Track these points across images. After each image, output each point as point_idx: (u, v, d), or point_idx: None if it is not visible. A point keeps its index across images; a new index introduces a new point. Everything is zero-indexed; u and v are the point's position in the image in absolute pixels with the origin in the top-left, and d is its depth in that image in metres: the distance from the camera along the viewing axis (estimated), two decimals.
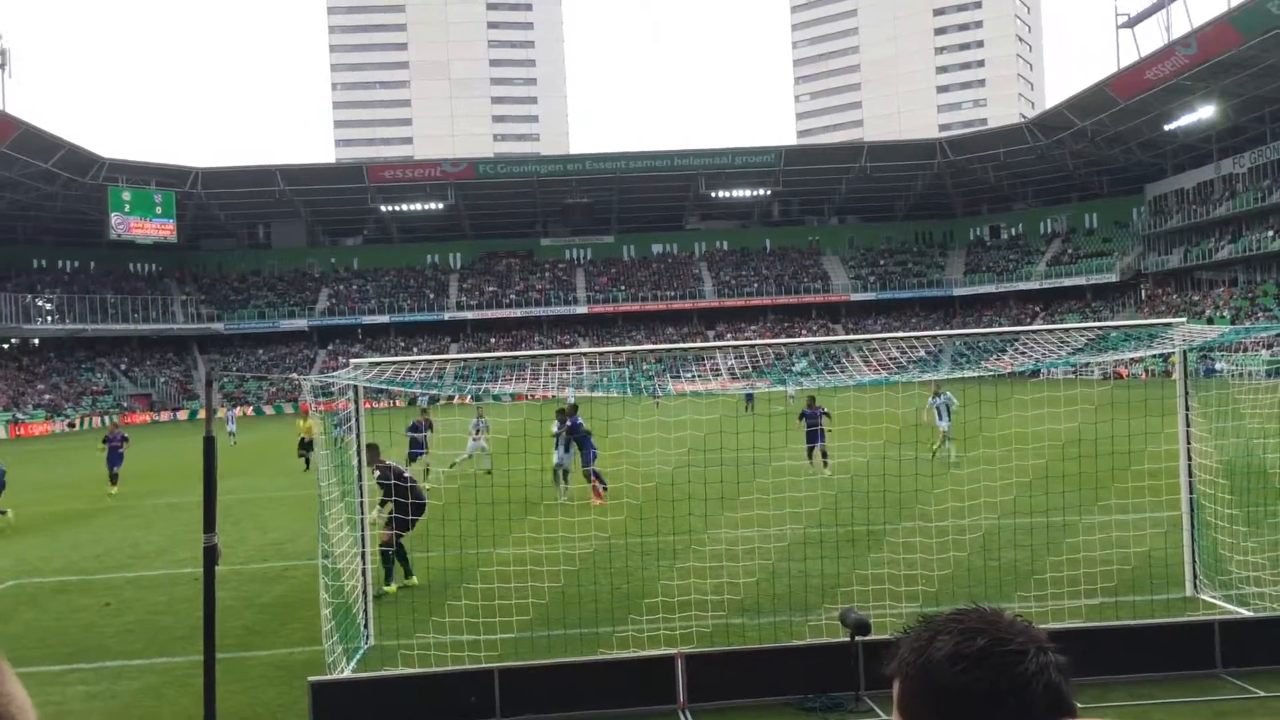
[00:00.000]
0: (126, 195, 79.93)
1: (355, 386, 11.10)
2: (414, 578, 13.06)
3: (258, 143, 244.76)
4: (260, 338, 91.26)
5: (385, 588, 12.44)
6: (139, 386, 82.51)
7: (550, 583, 11.15)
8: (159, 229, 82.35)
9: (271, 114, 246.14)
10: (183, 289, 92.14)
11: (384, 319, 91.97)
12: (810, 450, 21.91)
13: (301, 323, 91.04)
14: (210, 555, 8.21)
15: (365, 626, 10.63)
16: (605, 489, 18.45)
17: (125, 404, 78.18)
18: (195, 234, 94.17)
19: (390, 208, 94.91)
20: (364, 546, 10.64)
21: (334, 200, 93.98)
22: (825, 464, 21.67)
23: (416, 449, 21.82)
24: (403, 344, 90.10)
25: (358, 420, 11.08)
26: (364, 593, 10.67)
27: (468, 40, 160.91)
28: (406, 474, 13.23)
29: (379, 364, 11.74)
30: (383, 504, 12.92)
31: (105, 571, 15.62)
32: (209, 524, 8.13)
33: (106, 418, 68.06)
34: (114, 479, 25.15)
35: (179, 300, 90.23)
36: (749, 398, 39.74)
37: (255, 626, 11.73)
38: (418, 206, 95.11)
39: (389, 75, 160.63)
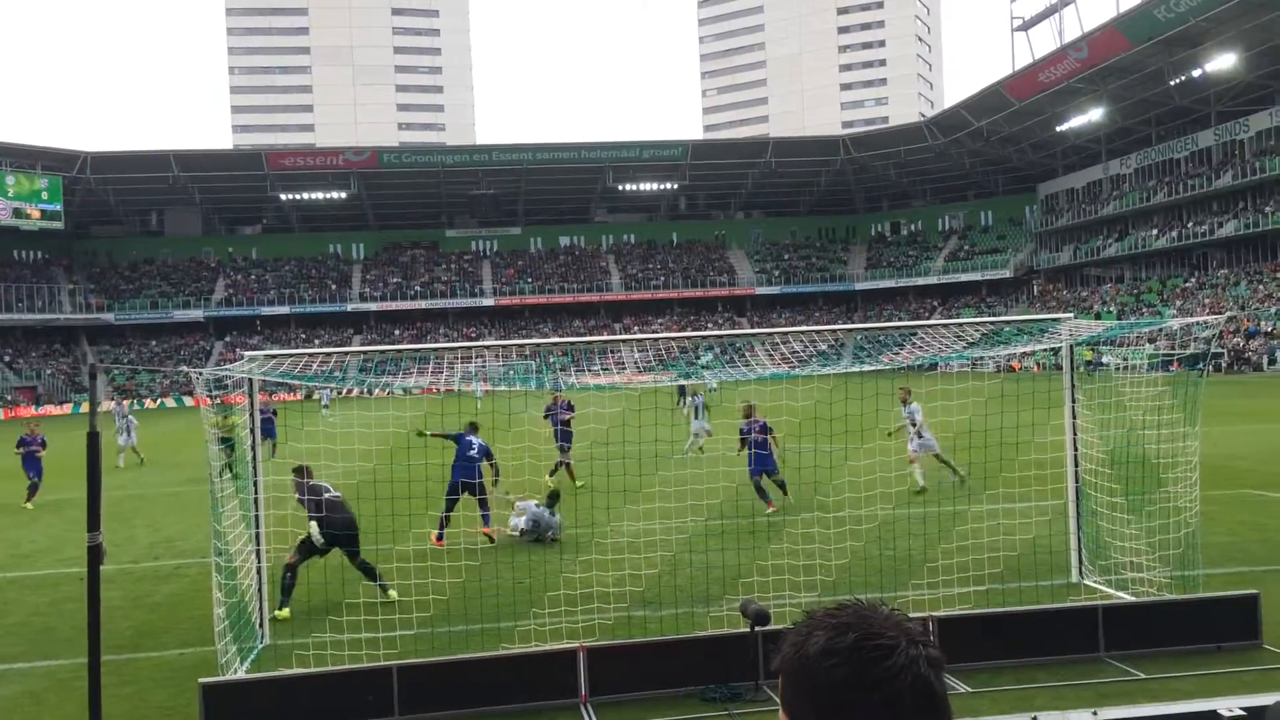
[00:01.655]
0: (10, 179, 76.59)
1: (250, 380, 10.84)
2: (392, 591, 11.69)
3: (151, 127, 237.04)
4: (153, 329, 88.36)
5: (277, 611, 11.26)
6: (24, 379, 79.11)
7: (451, 578, 11.05)
8: (45, 214, 79.07)
9: (166, 98, 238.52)
10: (70, 277, 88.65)
11: (284, 310, 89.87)
12: (758, 476, 16.52)
13: (197, 313, 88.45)
14: (95, 555, 7.94)
15: (260, 626, 10.40)
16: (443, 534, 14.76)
17: (9, 397, 74.95)
18: (84, 220, 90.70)
19: (291, 196, 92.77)
20: (259, 545, 10.40)
21: (231, 188, 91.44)
22: (785, 493, 16.61)
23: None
24: (304, 335, 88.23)
25: (253, 414, 10.82)
26: (259, 591, 10.43)
27: (371, 26, 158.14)
28: (328, 494, 11.79)
29: (275, 356, 11.48)
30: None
31: None
32: (93, 522, 7.85)
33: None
34: (33, 491, 21.61)
35: (66, 289, 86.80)
36: (682, 391, 37.62)
37: (145, 627, 11.37)
38: (319, 195, 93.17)
39: (290, 60, 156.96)
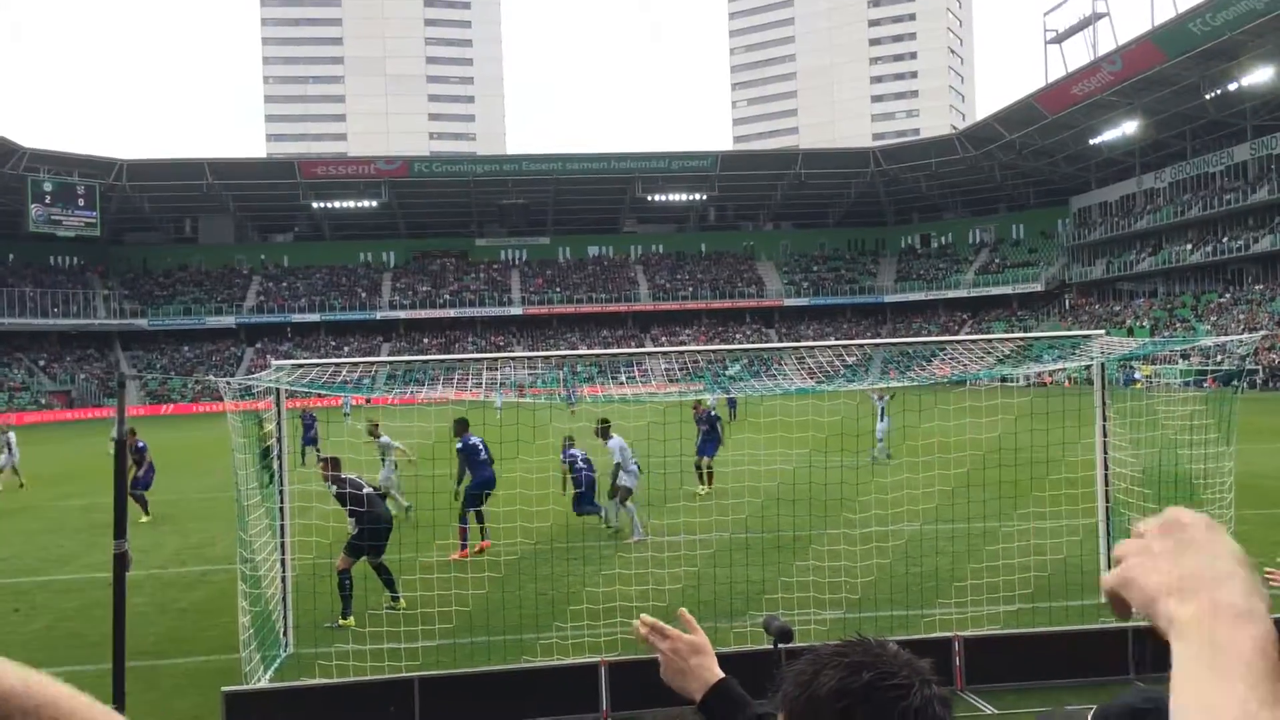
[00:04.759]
0: (48, 186, 77.68)
1: (277, 389, 10.89)
2: (401, 600, 11.66)
3: (186, 136, 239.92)
4: (185, 335, 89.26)
5: (341, 621, 11.23)
6: (58, 383, 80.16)
7: (474, 589, 11.04)
8: (81, 221, 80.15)
9: (201, 107, 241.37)
10: (105, 283, 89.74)
11: (314, 317, 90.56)
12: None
13: (229, 320, 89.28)
14: (120, 562, 7.99)
15: (284, 634, 10.42)
16: (466, 545, 14.46)
17: (44, 401, 75.94)
18: (119, 227, 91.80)
19: (322, 204, 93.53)
20: (284, 554, 10.43)
21: (264, 196, 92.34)
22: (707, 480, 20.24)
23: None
24: (333, 343, 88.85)
25: (279, 424, 10.86)
26: (284, 599, 10.46)
27: (404, 37, 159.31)
28: (366, 489, 11.82)
29: (303, 366, 11.54)
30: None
31: (13, 576, 15.12)
32: (119, 530, 7.91)
33: None
34: None
35: (101, 295, 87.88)
36: (732, 404, 36.55)
37: (170, 633, 11.44)
38: (351, 204, 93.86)
39: (323, 70, 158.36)
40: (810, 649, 1.61)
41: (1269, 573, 2.57)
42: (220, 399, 11.41)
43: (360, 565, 11.58)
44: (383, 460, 17.86)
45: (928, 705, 1.47)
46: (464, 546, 14.20)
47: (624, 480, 15.80)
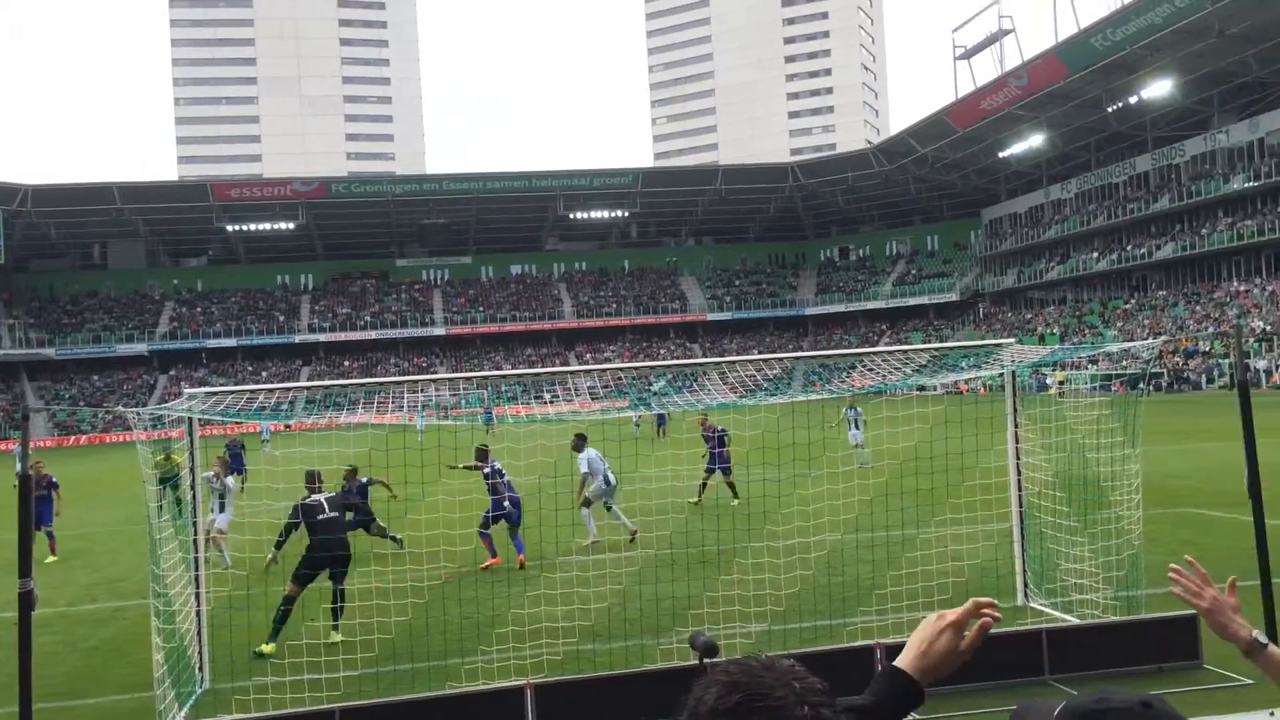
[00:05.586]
0: None
1: (190, 418, 10.64)
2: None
3: (94, 159, 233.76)
4: (96, 363, 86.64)
5: (262, 646, 10.94)
6: None
7: (397, 616, 10.89)
8: None
9: (109, 130, 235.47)
10: (10, 312, 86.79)
11: (230, 342, 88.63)
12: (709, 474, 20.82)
13: (141, 347, 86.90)
14: (25, 602, 7.73)
15: (200, 669, 10.16)
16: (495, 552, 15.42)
17: None
18: (24, 254, 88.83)
19: (237, 227, 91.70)
20: (199, 586, 10.18)
21: (176, 219, 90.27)
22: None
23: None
24: (250, 368, 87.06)
25: (192, 454, 10.63)
26: (199, 633, 10.20)
27: (319, 56, 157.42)
28: (323, 514, 11.52)
29: (216, 393, 11.29)
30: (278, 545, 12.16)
31: None
32: (24, 569, 7.66)
33: None
34: None
35: (6, 324, 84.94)
36: (661, 420, 37.53)
37: (81, 672, 11.07)
38: (267, 226, 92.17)
39: (236, 91, 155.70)
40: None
41: (1173, 570, 2.67)
42: (131, 429, 11.14)
43: (276, 590, 11.36)
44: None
45: None
46: (493, 554, 15.01)
47: (591, 490, 16.35)
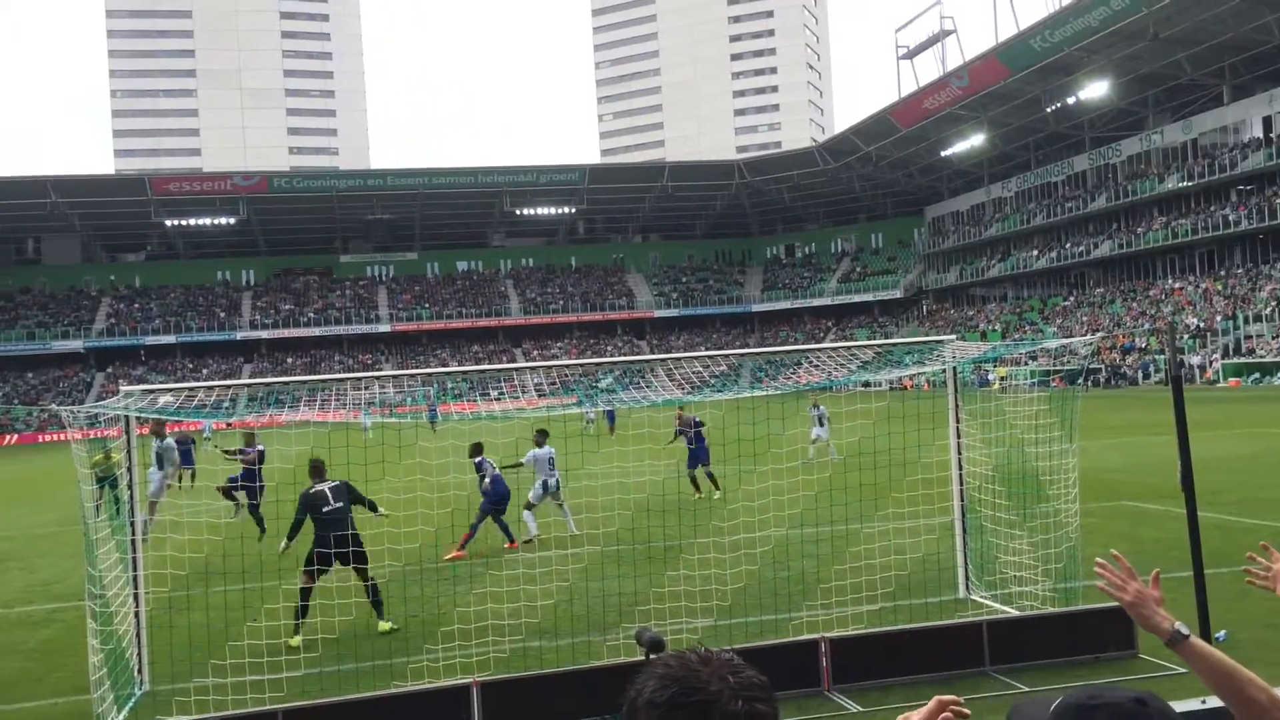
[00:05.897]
0: None
1: (126, 416, 10.43)
2: (386, 621, 11.36)
3: (27, 153, 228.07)
4: (29, 360, 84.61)
5: (289, 640, 10.83)
6: None
7: (341, 615, 10.78)
8: None
9: (43, 122, 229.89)
10: None
11: (169, 339, 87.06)
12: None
13: (76, 344, 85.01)
14: None
15: (139, 672, 9.97)
16: (512, 540, 16.08)
17: None
18: None
19: (176, 222, 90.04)
20: (137, 587, 9.99)
21: (113, 214, 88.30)
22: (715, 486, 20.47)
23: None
24: (190, 365, 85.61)
25: (130, 453, 10.43)
26: (137, 635, 10.01)
27: (260, 49, 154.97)
28: (328, 506, 11.36)
29: (154, 391, 11.09)
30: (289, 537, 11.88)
31: None
32: None
33: None
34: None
35: None
36: (610, 417, 37.23)
37: (16, 676, 10.81)
38: (207, 221, 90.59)
39: (174, 84, 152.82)
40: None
41: (1099, 563, 2.72)
42: (66, 428, 10.91)
43: (196, 588, 11.19)
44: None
45: (735, 718, 1.52)
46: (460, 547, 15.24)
47: (532, 493, 16.48)
